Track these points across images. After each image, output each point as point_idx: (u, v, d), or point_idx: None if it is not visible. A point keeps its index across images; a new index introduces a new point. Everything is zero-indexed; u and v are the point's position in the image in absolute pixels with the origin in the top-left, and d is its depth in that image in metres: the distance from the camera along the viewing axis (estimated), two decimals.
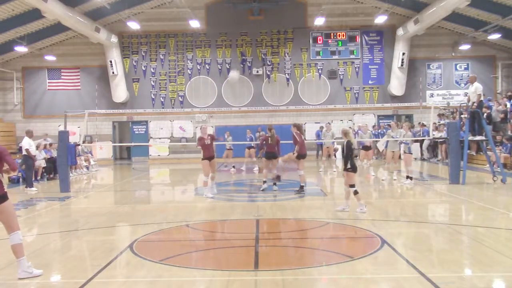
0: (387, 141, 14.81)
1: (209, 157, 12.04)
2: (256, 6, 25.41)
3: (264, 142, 12.67)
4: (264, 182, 12.74)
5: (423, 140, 22.08)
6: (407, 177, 13.74)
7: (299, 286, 5.21)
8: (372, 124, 25.17)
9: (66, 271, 5.86)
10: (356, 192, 9.27)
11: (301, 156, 12.12)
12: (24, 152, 14.60)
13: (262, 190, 12.51)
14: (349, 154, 9.29)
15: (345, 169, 9.36)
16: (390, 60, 26.06)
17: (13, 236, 5.53)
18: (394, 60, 25.79)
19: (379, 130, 23.59)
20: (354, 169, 9.30)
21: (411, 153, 14.65)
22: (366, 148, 16.26)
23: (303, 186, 12.10)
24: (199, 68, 26.68)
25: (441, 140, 20.26)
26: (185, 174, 19.26)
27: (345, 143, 9.39)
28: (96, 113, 24.06)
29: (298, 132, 12.32)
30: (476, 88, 14.03)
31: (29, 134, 14.88)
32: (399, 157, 14.70)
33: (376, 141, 21.50)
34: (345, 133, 9.47)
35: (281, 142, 12.89)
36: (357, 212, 9.17)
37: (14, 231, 5.54)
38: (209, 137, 12.26)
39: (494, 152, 14.57)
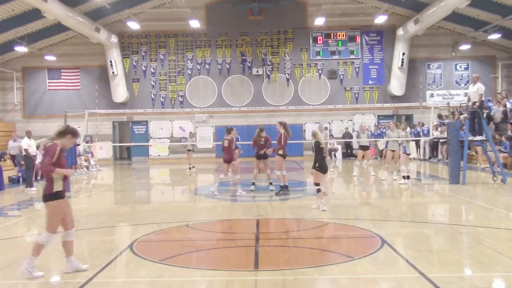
0: (387, 141, 14.84)
1: (224, 160, 12.38)
2: (256, 6, 25.41)
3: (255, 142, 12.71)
4: (253, 183, 12.75)
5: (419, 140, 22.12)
6: (404, 177, 13.76)
7: (299, 286, 5.21)
8: (372, 124, 25.20)
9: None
10: (318, 190, 9.57)
11: (285, 156, 12.19)
12: (23, 152, 14.60)
13: (251, 190, 12.49)
14: (317, 154, 9.58)
15: (313, 167, 9.69)
16: (390, 60, 26.06)
17: (41, 235, 5.70)
18: (394, 60, 25.79)
19: (383, 129, 23.59)
20: (321, 168, 9.55)
21: (407, 153, 14.68)
22: (364, 148, 16.27)
23: (287, 185, 12.04)
24: (199, 68, 26.68)
25: (442, 140, 20.28)
26: (185, 174, 19.24)
27: (313, 143, 9.78)
28: (96, 113, 24.05)
29: (285, 132, 12.30)
30: (478, 88, 14.04)
31: (28, 134, 14.87)
32: (399, 157, 14.70)
33: (375, 141, 21.52)
34: (313, 134, 9.88)
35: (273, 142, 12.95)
36: (316, 209, 9.52)
37: (45, 231, 5.65)
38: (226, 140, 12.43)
39: (494, 152, 14.57)
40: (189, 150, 19.78)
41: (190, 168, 19.59)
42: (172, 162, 25.63)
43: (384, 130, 22.19)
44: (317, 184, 9.62)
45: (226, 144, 12.31)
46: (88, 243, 7.53)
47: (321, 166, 9.53)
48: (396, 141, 14.36)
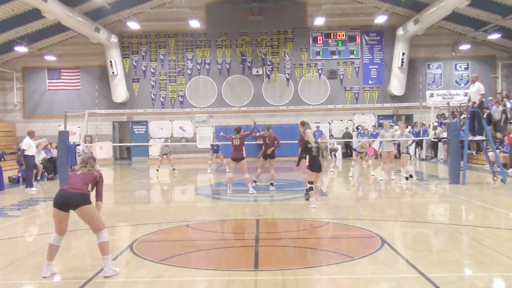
0: (381, 142, 14.82)
1: (233, 158, 12.27)
2: (256, 6, 25.42)
3: (262, 141, 12.69)
4: (254, 181, 12.62)
5: (421, 140, 22.12)
6: (406, 177, 13.75)
7: (299, 286, 5.21)
8: (372, 124, 25.24)
9: (66, 271, 5.85)
10: (310, 189, 10.00)
11: None
12: (26, 152, 14.58)
13: (251, 192, 12.20)
14: (303, 153, 10.05)
15: (297, 165, 10.45)
16: (390, 60, 26.06)
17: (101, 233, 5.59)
18: (394, 60, 25.78)
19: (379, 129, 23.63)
20: (310, 167, 9.93)
21: (409, 153, 14.65)
22: (360, 152, 16.23)
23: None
24: (199, 68, 26.68)
25: (444, 139, 20.30)
26: (185, 174, 19.25)
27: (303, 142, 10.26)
28: (96, 113, 24.04)
29: None
30: (479, 88, 14.04)
31: (31, 134, 14.86)
32: (399, 156, 14.70)
33: (373, 141, 21.50)
34: (304, 134, 10.26)
35: (281, 142, 12.91)
36: (311, 207, 9.89)
37: (101, 229, 5.60)
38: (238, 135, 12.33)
39: (494, 152, 14.57)
40: (163, 154, 19.29)
41: (157, 170, 19.05)
42: None
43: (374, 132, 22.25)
44: (310, 183, 9.98)
45: (238, 143, 12.26)
46: (88, 243, 7.52)
47: (310, 165, 9.94)
48: (390, 141, 14.34)
